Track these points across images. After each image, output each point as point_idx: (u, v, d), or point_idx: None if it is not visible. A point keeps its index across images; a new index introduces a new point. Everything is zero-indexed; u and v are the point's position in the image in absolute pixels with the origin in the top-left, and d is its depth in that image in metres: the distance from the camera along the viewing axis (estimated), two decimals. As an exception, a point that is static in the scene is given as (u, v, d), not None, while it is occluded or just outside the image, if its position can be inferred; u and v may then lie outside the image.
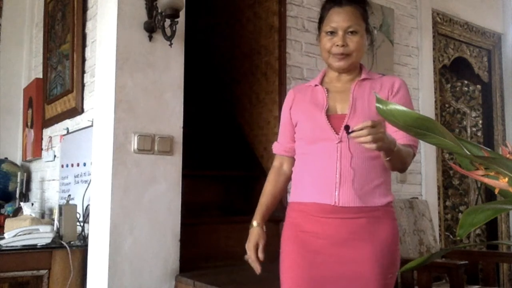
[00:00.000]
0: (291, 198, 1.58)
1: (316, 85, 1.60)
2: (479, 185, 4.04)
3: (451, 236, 3.98)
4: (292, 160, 1.65)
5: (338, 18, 1.52)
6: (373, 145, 1.25)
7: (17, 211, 3.19)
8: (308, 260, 1.46)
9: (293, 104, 1.62)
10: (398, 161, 1.40)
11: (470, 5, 4.25)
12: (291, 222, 1.56)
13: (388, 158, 1.36)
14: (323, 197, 1.46)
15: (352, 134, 1.25)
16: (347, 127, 1.28)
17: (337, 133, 1.46)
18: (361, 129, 1.23)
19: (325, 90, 1.56)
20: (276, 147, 1.70)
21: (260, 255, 1.58)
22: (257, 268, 1.58)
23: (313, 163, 1.51)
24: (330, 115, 1.50)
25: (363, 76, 1.57)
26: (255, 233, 1.61)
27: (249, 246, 1.60)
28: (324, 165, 1.47)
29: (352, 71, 1.58)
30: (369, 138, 1.23)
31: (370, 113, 1.46)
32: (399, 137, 1.40)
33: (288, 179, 1.68)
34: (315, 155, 1.50)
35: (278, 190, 1.67)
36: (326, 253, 1.45)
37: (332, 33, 1.52)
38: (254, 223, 1.63)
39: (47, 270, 2.27)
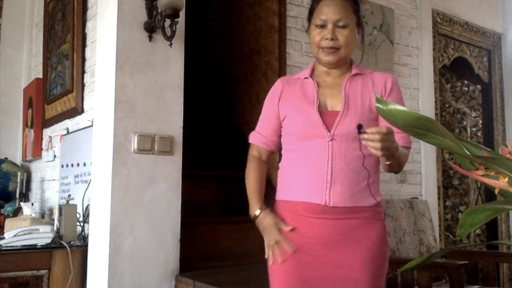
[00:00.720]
0: (279, 196, 1.54)
1: (306, 78, 1.55)
2: (479, 185, 4.04)
3: (451, 236, 3.98)
4: (270, 154, 1.61)
5: (328, 11, 1.48)
6: (379, 152, 1.24)
7: (17, 211, 3.19)
8: (297, 262, 1.44)
9: (281, 97, 1.56)
10: (396, 164, 1.40)
11: (470, 5, 4.25)
12: None
13: (388, 162, 1.35)
14: (314, 197, 1.43)
15: (364, 136, 1.24)
16: (360, 126, 1.27)
17: (328, 130, 1.43)
18: (374, 133, 1.22)
19: (315, 83, 1.52)
20: (255, 138, 1.62)
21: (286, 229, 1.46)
22: (290, 247, 1.45)
23: (304, 161, 1.46)
24: (321, 111, 1.46)
25: (354, 71, 1.53)
26: (266, 217, 1.50)
27: (267, 233, 1.47)
28: (315, 163, 1.43)
29: (342, 66, 1.54)
30: (378, 145, 1.22)
31: (362, 111, 1.45)
32: (397, 138, 1.37)
33: (266, 169, 1.63)
34: (306, 152, 1.46)
35: (263, 178, 1.60)
36: (316, 254, 1.42)
37: (322, 26, 1.49)
38: (257, 211, 1.53)
39: (47, 270, 2.27)
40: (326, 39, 1.48)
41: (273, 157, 1.68)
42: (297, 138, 1.49)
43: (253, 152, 1.63)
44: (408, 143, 1.47)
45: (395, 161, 1.36)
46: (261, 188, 1.58)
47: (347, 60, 1.56)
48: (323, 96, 1.50)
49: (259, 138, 1.61)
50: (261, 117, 1.63)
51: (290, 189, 1.50)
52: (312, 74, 1.57)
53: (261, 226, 1.51)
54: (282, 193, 1.53)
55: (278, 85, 1.61)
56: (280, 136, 1.58)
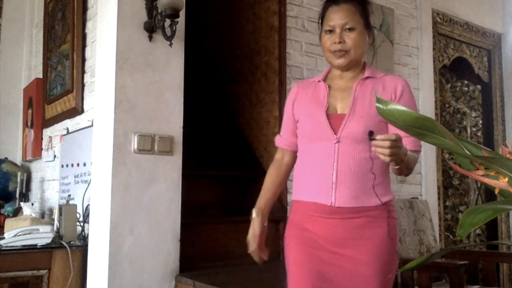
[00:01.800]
0: (293, 195, 1.60)
1: (319, 81, 1.61)
2: (479, 185, 4.04)
3: (451, 236, 3.98)
4: (293, 154, 1.66)
5: (335, 16, 1.54)
6: (388, 158, 1.27)
7: (17, 211, 3.19)
8: (311, 256, 1.48)
9: (295, 100, 1.64)
10: (405, 168, 1.42)
11: (470, 5, 4.25)
12: (292, 221, 1.58)
13: (397, 167, 1.37)
14: (320, 197, 1.48)
15: (374, 142, 1.27)
16: (371, 133, 1.31)
17: (335, 133, 1.47)
18: (384, 139, 1.25)
19: (327, 87, 1.57)
20: (278, 140, 1.71)
21: (263, 247, 1.62)
22: (259, 258, 1.62)
23: (312, 163, 1.52)
24: (329, 114, 1.51)
25: (366, 74, 1.57)
26: (255, 224, 1.63)
27: (249, 236, 1.63)
28: (321, 165, 1.49)
29: (355, 69, 1.58)
30: (387, 151, 1.25)
31: (369, 114, 1.47)
32: (407, 143, 1.41)
33: (289, 170, 1.70)
34: (314, 154, 1.52)
35: (278, 182, 1.70)
36: (326, 252, 1.46)
37: (331, 31, 1.55)
38: (254, 213, 1.64)
39: (47, 270, 2.27)
40: (335, 43, 1.53)
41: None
42: (306, 140, 1.56)
43: (276, 156, 1.72)
44: (417, 147, 1.50)
45: (404, 165, 1.38)
46: (271, 193, 1.68)
47: (359, 63, 1.60)
48: (333, 99, 1.55)
49: (281, 141, 1.70)
50: (283, 121, 1.71)
51: (301, 190, 1.56)
52: (326, 78, 1.62)
53: (250, 228, 1.65)
54: (295, 193, 1.60)
55: (293, 90, 1.69)
56: (294, 137, 1.65)
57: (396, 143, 1.25)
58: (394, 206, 1.55)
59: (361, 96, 1.52)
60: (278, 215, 2.74)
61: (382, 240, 1.46)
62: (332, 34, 1.54)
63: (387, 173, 1.54)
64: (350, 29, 1.53)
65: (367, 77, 1.56)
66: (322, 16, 1.60)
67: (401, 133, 1.35)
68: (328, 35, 1.55)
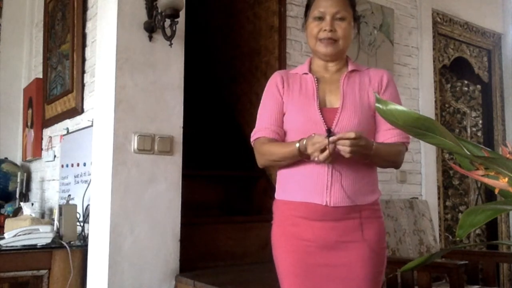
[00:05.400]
0: (279, 195, 1.53)
1: (305, 73, 1.55)
2: (479, 185, 4.05)
3: (451, 236, 3.98)
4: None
5: (326, 4, 1.49)
6: (348, 155, 1.30)
7: (17, 211, 3.19)
8: (303, 265, 1.44)
9: (284, 89, 1.52)
10: (380, 160, 1.42)
11: (470, 5, 4.25)
12: (280, 225, 1.51)
13: (365, 161, 1.39)
14: (314, 197, 1.42)
15: (333, 138, 1.29)
16: (329, 131, 1.33)
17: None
18: (342, 138, 1.28)
19: (315, 79, 1.51)
20: (258, 132, 1.52)
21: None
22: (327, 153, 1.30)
23: (303, 160, 1.43)
24: (321, 108, 1.46)
25: (350, 67, 1.54)
26: (311, 137, 1.34)
27: (314, 141, 1.32)
28: (314, 163, 1.40)
29: (339, 61, 1.55)
30: (347, 149, 1.28)
31: (361, 107, 1.46)
32: (393, 135, 1.44)
33: None
34: None
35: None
36: (317, 256, 1.43)
37: (320, 18, 1.50)
38: (298, 143, 1.38)
39: (47, 270, 2.27)
40: (325, 30, 1.49)
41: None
42: (296, 135, 1.46)
43: (262, 140, 1.52)
44: (404, 139, 1.47)
45: (375, 158, 1.39)
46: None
47: (344, 55, 1.56)
48: (322, 92, 1.51)
49: (263, 130, 1.52)
50: (261, 112, 1.56)
51: (290, 189, 1.48)
52: (310, 70, 1.56)
53: (308, 143, 1.35)
54: (282, 192, 1.52)
55: (277, 78, 1.55)
56: (282, 128, 1.53)
57: (356, 142, 1.28)
58: (380, 204, 1.55)
59: (349, 89, 1.49)
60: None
61: (374, 241, 1.44)
62: (322, 21, 1.49)
63: (375, 170, 1.52)
64: (341, 19, 1.49)
65: (353, 71, 1.54)
66: (309, 3, 1.55)
67: (387, 126, 1.40)
68: (317, 22, 1.50)
